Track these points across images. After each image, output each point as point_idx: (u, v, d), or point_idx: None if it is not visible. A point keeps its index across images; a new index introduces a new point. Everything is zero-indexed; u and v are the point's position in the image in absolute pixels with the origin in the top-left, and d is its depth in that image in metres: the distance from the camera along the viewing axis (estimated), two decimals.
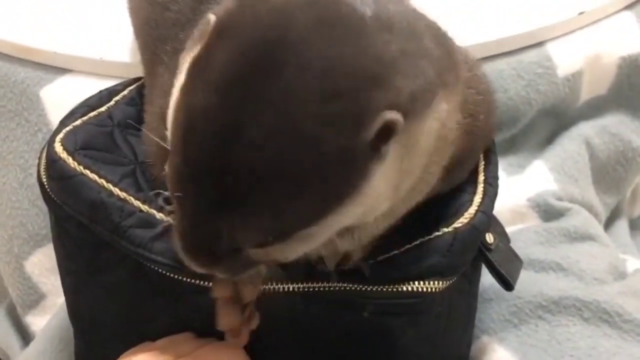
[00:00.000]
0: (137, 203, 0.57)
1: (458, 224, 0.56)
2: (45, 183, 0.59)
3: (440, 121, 0.49)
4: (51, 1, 0.97)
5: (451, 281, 0.56)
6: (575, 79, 0.90)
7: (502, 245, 0.62)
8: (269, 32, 0.43)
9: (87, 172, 0.58)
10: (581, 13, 0.91)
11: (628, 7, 0.95)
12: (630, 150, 0.94)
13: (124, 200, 0.57)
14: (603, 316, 0.71)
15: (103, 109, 0.67)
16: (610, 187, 0.96)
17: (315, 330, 0.57)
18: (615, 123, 0.95)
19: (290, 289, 0.54)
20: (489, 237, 0.61)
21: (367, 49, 0.43)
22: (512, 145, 0.92)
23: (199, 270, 0.47)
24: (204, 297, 0.56)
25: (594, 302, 0.72)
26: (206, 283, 0.54)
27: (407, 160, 0.46)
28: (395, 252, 0.56)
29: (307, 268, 0.54)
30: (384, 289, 0.54)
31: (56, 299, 0.86)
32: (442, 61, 0.49)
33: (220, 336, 0.59)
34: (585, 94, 0.93)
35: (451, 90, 0.50)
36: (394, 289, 0.54)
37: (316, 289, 0.54)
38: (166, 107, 0.48)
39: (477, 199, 0.59)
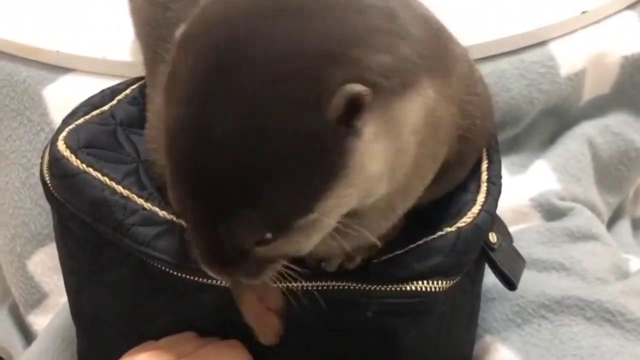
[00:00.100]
0: (140, 201, 0.57)
1: (461, 223, 0.56)
2: (48, 181, 0.59)
3: (426, 104, 0.48)
4: (53, 1, 0.97)
5: (454, 281, 0.56)
6: (577, 78, 0.90)
7: (505, 245, 0.62)
8: (218, 36, 0.43)
9: (90, 170, 0.58)
10: (584, 12, 0.91)
11: (630, 6, 0.95)
12: (633, 150, 0.94)
13: (127, 198, 0.57)
14: (606, 316, 0.71)
15: (105, 107, 0.67)
16: (612, 187, 0.96)
17: (318, 330, 0.57)
18: (618, 122, 0.95)
19: (294, 288, 0.54)
20: (492, 237, 0.61)
21: (319, 28, 0.43)
22: (515, 145, 0.91)
23: (222, 277, 0.48)
24: (206, 294, 0.56)
25: (596, 302, 0.72)
26: (209, 280, 0.54)
27: (394, 139, 0.46)
28: (399, 251, 0.55)
29: (311, 267, 0.54)
30: (387, 289, 0.54)
31: (58, 298, 0.86)
32: (427, 47, 0.49)
33: (222, 335, 0.59)
34: (588, 93, 0.93)
35: (440, 78, 0.50)
36: (398, 289, 0.54)
37: (319, 288, 0.54)
38: None
39: (481, 198, 0.59)
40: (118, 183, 0.57)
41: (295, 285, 0.52)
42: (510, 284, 0.62)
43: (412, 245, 0.55)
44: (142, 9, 0.74)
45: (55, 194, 0.59)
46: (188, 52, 0.44)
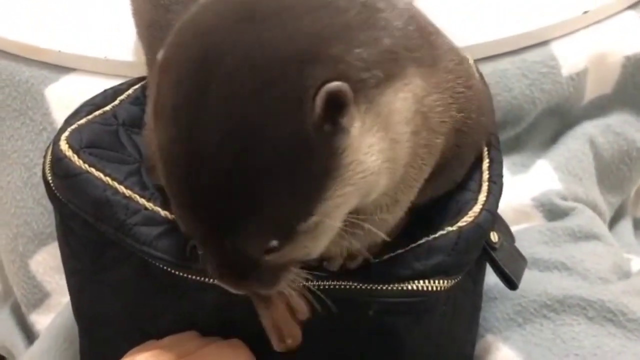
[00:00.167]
0: (142, 201, 0.57)
1: (462, 222, 0.56)
2: (51, 181, 0.60)
3: (415, 92, 0.48)
4: (55, 1, 0.97)
5: (456, 280, 0.56)
6: (579, 78, 0.90)
7: (506, 244, 0.62)
8: (193, 55, 0.43)
9: (93, 170, 0.58)
10: (585, 12, 0.91)
11: (632, 6, 0.95)
12: (635, 150, 0.94)
13: (129, 198, 0.57)
14: (607, 315, 0.71)
15: (108, 108, 0.67)
16: (614, 187, 0.96)
17: (320, 329, 0.57)
18: (620, 122, 0.95)
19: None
20: (494, 236, 0.61)
21: (292, 31, 0.43)
22: (517, 145, 0.91)
23: (239, 290, 0.48)
24: (207, 294, 0.56)
25: (598, 302, 0.71)
26: (210, 280, 0.54)
27: (386, 130, 0.46)
28: (400, 251, 0.55)
29: (312, 267, 0.54)
30: (389, 288, 0.54)
31: (60, 298, 0.86)
32: (411, 38, 0.49)
33: (223, 334, 0.59)
34: (590, 93, 0.93)
35: (427, 67, 0.50)
36: (399, 288, 0.54)
37: (321, 288, 0.54)
38: None
39: (482, 197, 0.59)
40: (120, 183, 0.58)
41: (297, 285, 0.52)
42: (511, 283, 0.62)
43: (414, 245, 0.55)
44: (144, 10, 0.74)
45: (58, 194, 0.59)
46: (168, 75, 0.45)
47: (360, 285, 0.54)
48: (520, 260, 0.65)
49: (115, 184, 0.57)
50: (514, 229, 0.70)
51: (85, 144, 0.60)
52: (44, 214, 0.85)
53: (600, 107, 0.95)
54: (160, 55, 0.46)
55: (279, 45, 0.42)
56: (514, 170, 0.90)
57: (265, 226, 0.43)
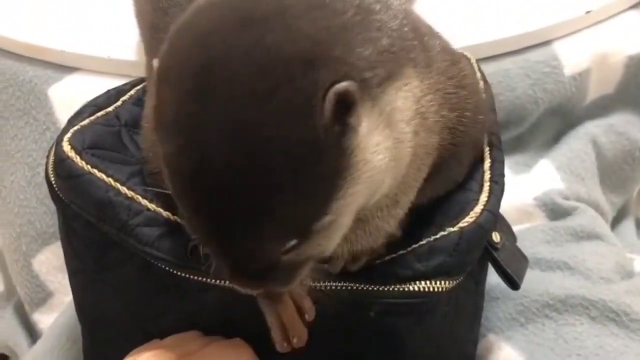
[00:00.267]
0: (144, 202, 0.57)
1: (464, 223, 0.56)
2: (54, 182, 0.60)
3: (414, 92, 0.48)
4: (59, 0, 0.98)
5: (457, 281, 0.56)
6: (582, 78, 0.90)
7: (508, 244, 0.62)
8: (193, 63, 0.43)
9: (95, 171, 0.58)
10: (588, 12, 0.91)
11: (634, 6, 0.95)
12: (638, 150, 0.94)
13: (132, 199, 0.57)
14: (610, 315, 0.71)
15: (110, 108, 0.67)
16: (617, 186, 0.96)
17: (321, 329, 0.57)
18: (622, 122, 0.95)
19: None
20: (496, 236, 0.61)
21: (293, 34, 0.43)
22: (519, 144, 0.91)
23: (255, 291, 0.48)
24: (209, 294, 0.56)
25: (600, 301, 0.71)
26: (211, 280, 0.55)
27: (390, 128, 0.46)
28: (402, 251, 0.55)
29: (314, 268, 0.54)
30: (390, 289, 0.54)
31: (63, 297, 0.86)
32: (406, 39, 0.49)
33: (225, 334, 0.59)
34: (592, 93, 0.93)
35: (421, 68, 0.50)
36: (400, 289, 0.54)
37: (322, 288, 0.54)
38: None
39: (483, 197, 0.58)
40: (122, 184, 0.58)
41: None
42: (513, 283, 0.62)
43: (415, 246, 0.55)
44: (146, 12, 0.74)
45: (60, 195, 0.60)
46: (168, 84, 0.44)
47: (362, 286, 0.54)
48: (522, 260, 0.65)
49: (118, 185, 0.57)
50: (516, 228, 0.70)
51: (88, 145, 0.60)
52: (47, 214, 0.85)
53: (603, 107, 0.94)
54: (156, 63, 0.46)
55: (282, 48, 0.42)
56: (517, 170, 0.90)
57: (283, 227, 0.44)
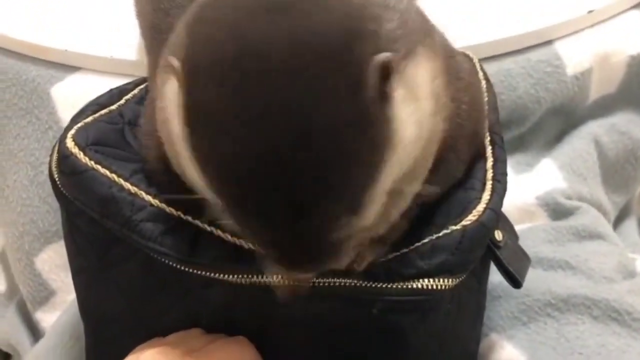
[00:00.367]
0: (147, 197, 0.57)
1: (466, 221, 0.56)
2: (57, 178, 0.60)
3: (429, 68, 0.49)
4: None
5: (460, 279, 0.55)
6: (584, 77, 0.90)
7: (510, 243, 0.62)
8: (233, 53, 0.42)
9: (99, 167, 0.58)
10: (590, 11, 0.91)
11: (637, 5, 0.95)
12: None
13: (135, 194, 0.57)
14: (612, 314, 0.71)
15: (114, 107, 0.67)
16: (619, 186, 0.96)
17: (323, 326, 0.57)
18: (625, 122, 0.95)
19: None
20: (498, 235, 0.61)
21: (325, 15, 0.43)
22: (521, 144, 0.91)
23: (313, 272, 0.48)
24: (212, 290, 0.57)
25: (603, 301, 0.71)
26: (215, 275, 0.55)
27: (417, 100, 0.47)
28: (404, 250, 0.56)
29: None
30: (393, 287, 0.54)
31: (66, 296, 0.86)
32: (416, 21, 0.50)
33: (227, 333, 0.59)
34: (595, 92, 0.93)
35: (433, 53, 0.51)
36: (403, 287, 0.54)
37: (325, 285, 0.54)
38: None
39: (486, 196, 0.58)
40: (126, 180, 0.58)
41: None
42: (515, 281, 0.62)
43: (418, 244, 0.55)
44: (147, 12, 0.74)
45: (64, 191, 0.60)
46: (204, 82, 0.43)
47: (364, 283, 0.54)
48: (524, 259, 0.65)
49: (121, 181, 0.57)
50: (518, 228, 0.70)
51: (92, 142, 0.60)
52: (49, 212, 0.86)
53: (605, 107, 0.95)
54: (174, 60, 0.45)
55: (321, 28, 0.42)
56: (519, 170, 0.90)
57: (345, 202, 0.44)
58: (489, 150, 0.63)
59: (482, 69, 0.69)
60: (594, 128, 0.93)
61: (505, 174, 0.62)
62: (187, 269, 0.55)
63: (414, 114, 0.47)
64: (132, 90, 0.71)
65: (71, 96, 0.86)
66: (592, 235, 0.83)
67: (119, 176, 0.58)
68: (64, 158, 0.59)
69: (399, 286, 0.54)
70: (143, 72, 0.77)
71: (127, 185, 0.57)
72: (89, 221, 0.59)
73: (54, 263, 0.87)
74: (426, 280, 0.54)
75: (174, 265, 0.56)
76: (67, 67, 0.88)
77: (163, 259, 0.56)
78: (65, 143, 0.59)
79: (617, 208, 0.97)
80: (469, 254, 0.56)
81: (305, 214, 0.43)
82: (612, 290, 0.73)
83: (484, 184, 0.60)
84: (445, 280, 0.54)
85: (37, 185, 0.86)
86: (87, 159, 0.58)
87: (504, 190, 0.61)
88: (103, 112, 0.65)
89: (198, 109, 0.44)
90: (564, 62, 0.89)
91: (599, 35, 0.92)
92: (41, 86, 0.87)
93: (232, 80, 0.42)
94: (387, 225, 0.53)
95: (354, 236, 0.47)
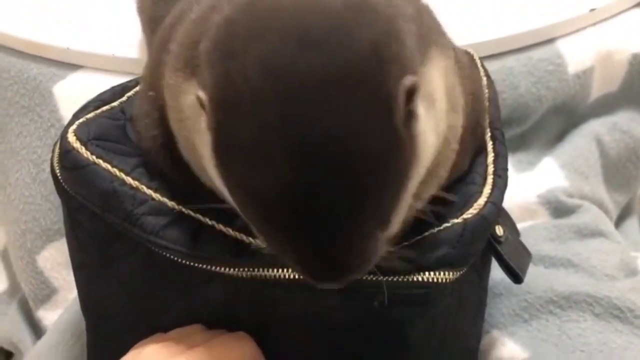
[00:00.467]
0: (149, 191, 0.57)
1: (467, 214, 0.56)
2: (59, 174, 0.60)
3: (442, 72, 0.50)
4: None
5: (461, 272, 0.55)
6: (586, 76, 0.90)
7: (511, 238, 0.62)
8: (270, 89, 0.42)
9: (100, 161, 0.58)
10: (592, 10, 0.91)
11: (639, 4, 0.95)
12: None
13: (136, 188, 0.57)
14: (614, 312, 0.71)
15: (115, 103, 0.67)
16: (620, 185, 0.96)
17: (323, 322, 0.57)
18: (626, 120, 0.95)
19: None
20: (499, 230, 0.61)
21: (354, 43, 0.43)
22: (522, 142, 0.91)
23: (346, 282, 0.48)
24: (213, 286, 0.57)
25: (605, 298, 0.71)
26: (216, 268, 0.55)
27: (434, 107, 0.48)
28: (405, 243, 0.55)
29: None
30: (394, 280, 0.54)
31: (68, 294, 0.87)
32: (424, 23, 0.51)
33: (229, 328, 0.59)
34: (596, 91, 0.93)
35: (445, 53, 0.52)
36: (404, 280, 0.54)
37: None
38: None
39: (487, 190, 0.58)
40: (127, 174, 0.58)
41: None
42: (516, 277, 0.62)
43: (419, 237, 0.55)
44: (147, 7, 0.74)
45: (65, 187, 0.60)
46: (239, 114, 0.43)
47: (365, 276, 0.54)
48: (525, 255, 0.65)
49: (123, 175, 0.58)
50: (519, 226, 0.70)
51: (93, 137, 0.60)
52: (51, 210, 0.86)
53: (607, 105, 0.94)
54: (202, 94, 0.45)
55: (352, 60, 0.43)
56: (520, 168, 0.90)
57: (381, 215, 0.45)
58: (490, 145, 0.63)
59: (483, 65, 0.69)
60: (596, 127, 0.93)
61: (506, 169, 0.62)
62: (188, 263, 0.55)
63: (433, 118, 0.48)
64: (134, 87, 0.71)
65: (73, 94, 0.86)
66: (594, 233, 0.83)
67: (120, 170, 0.58)
68: (66, 153, 0.59)
69: (400, 279, 0.54)
70: None
71: (128, 179, 0.58)
72: (91, 216, 0.59)
73: (55, 261, 0.87)
74: (427, 273, 0.54)
75: (176, 259, 0.56)
76: (69, 65, 0.89)
77: (164, 253, 0.56)
78: (66, 138, 0.60)
79: (619, 207, 0.96)
80: (470, 247, 0.56)
81: (339, 236, 0.44)
82: (614, 287, 0.73)
83: (485, 179, 0.60)
84: (446, 273, 0.54)
85: (39, 183, 0.86)
86: (88, 153, 0.58)
87: (505, 184, 0.60)
88: (105, 108, 0.65)
89: (229, 142, 0.44)
90: (566, 60, 0.89)
91: (601, 33, 0.92)
92: (43, 84, 0.87)
93: (266, 115, 0.42)
94: (402, 226, 0.54)
95: (381, 245, 0.48)
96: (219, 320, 0.60)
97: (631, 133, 0.94)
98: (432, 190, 0.55)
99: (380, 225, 0.46)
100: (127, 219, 0.56)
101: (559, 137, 0.93)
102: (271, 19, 0.45)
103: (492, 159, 0.62)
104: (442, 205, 0.56)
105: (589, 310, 0.71)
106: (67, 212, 0.63)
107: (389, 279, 0.53)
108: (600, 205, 0.89)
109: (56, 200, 0.64)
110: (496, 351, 0.70)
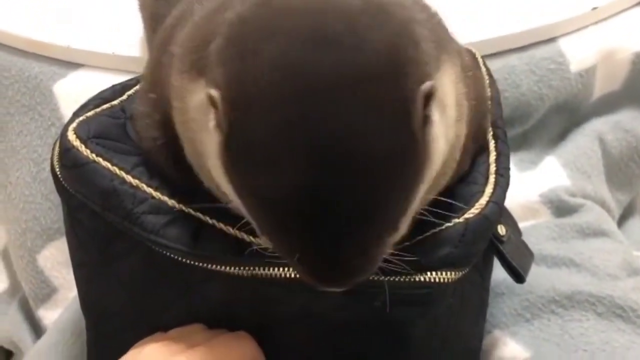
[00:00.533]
0: (149, 190, 0.57)
1: (469, 214, 0.56)
2: (59, 172, 0.60)
3: (453, 80, 0.50)
4: None
5: (463, 272, 0.55)
6: (588, 74, 0.90)
7: (513, 238, 0.62)
8: (285, 91, 0.42)
9: (100, 159, 0.58)
10: (594, 8, 0.91)
11: None
12: None
13: (136, 187, 0.57)
14: (617, 311, 0.71)
15: (116, 102, 0.67)
16: (623, 184, 0.95)
17: (324, 322, 0.57)
18: (629, 119, 0.94)
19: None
20: (501, 229, 0.61)
21: (372, 45, 0.43)
22: (524, 141, 0.91)
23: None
24: (213, 284, 0.56)
25: (607, 297, 0.71)
26: (216, 267, 0.55)
27: (445, 113, 0.48)
28: (407, 243, 0.55)
29: None
30: (396, 279, 0.54)
31: (68, 293, 0.86)
32: (436, 31, 0.51)
33: (229, 328, 0.59)
34: (599, 89, 0.93)
35: (453, 59, 0.52)
36: (406, 280, 0.54)
37: None
38: None
39: (489, 189, 0.58)
40: (127, 173, 0.58)
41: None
42: (518, 276, 0.61)
43: (420, 237, 0.55)
44: (148, 5, 0.74)
45: (65, 185, 0.60)
46: (254, 114, 0.43)
47: None
48: (527, 254, 0.65)
49: (123, 174, 0.57)
50: (521, 225, 0.70)
51: (93, 135, 0.60)
52: (52, 209, 0.86)
53: (609, 104, 0.94)
54: (214, 92, 0.44)
55: (369, 63, 0.42)
56: (522, 167, 0.90)
57: (392, 219, 0.45)
58: (492, 144, 0.63)
59: (485, 64, 0.69)
60: (598, 125, 0.93)
61: (508, 168, 0.62)
62: (188, 262, 0.55)
63: (444, 125, 0.48)
64: (134, 86, 0.71)
65: (74, 93, 0.86)
66: (596, 233, 0.82)
67: (120, 169, 0.58)
68: (66, 151, 0.59)
69: (402, 279, 0.53)
70: None
71: (128, 178, 0.57)
72: (90, 215, 0.59)
73: (56, 260, 0.87)
74: (429, 273, 0.54)
75: (176, 258, 0.55)
76: (69, 64, 0.89)
77: (165, 252, 0.56)
78: (66, 136, 0.59)
79: (621, 206, 0.96)
80: (472, 246, 0.55)
81: (350, 240, 0.44)
82: (616, 287, 0.73)
83: (487, 178, 0.60)
84: (448, 273, 0.54)
85: (40, 182, 0.86)
86: (88, 151, 0.58)
87: (507, 184, 0.60)
88: (105, 106, 0.65)
89: (242, 140, 0.44)
90: (568, 59, 0.89)
91: (603, 32, 0.91)
92: (44, 83, 0.87)
93: (284, 113, 0.42)
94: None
95: (388, 248, 0.48)
96: (219, 319, 0.59)
97: (634, 132, 0.94)
98: (430, 196, 0.54)
99: (389, 229, 0.46)
100: (127, 218, 0.56)
101: (561, 136, 0.93)
102: (286, 17, 0.44)
103: (494, 158, 0.62)
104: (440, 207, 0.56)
105: (592, 309, 0.71)
106: (67, 210, 0.63)
107: (391, 279, 0.53)
108: (603, 205, 0.89)
109: (56, 199, 0.63)
110: (498, 351, 0.70)
